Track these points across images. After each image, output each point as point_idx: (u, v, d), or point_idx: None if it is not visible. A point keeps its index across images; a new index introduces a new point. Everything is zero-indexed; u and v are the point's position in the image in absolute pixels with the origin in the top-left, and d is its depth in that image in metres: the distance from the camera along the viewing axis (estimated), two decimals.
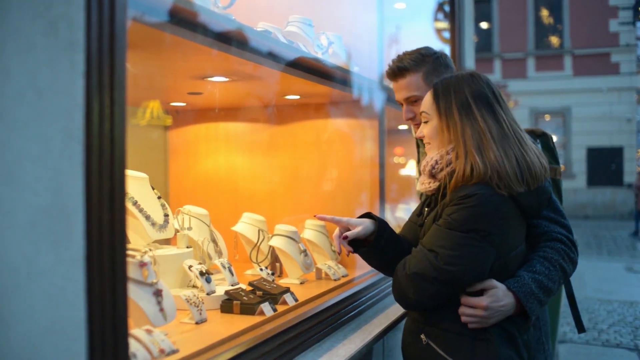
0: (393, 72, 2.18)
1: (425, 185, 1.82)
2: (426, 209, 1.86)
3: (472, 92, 1.74)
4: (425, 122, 1.83)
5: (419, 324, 1.79)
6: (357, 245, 1.87)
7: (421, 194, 2.40)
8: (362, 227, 1.82)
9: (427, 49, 2.19)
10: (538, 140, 2.28)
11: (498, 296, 1.67)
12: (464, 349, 1.69)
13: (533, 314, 1.71)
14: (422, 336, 1.77)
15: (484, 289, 1.68)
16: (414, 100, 2.15)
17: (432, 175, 1.79)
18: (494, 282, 1.69)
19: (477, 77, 1.79)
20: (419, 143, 2.34)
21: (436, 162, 1.77)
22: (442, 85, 1.79)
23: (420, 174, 2.35)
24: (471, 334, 1.69)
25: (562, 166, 2.36)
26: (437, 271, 1.63)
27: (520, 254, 1.76)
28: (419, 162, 2.41)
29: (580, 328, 2.13)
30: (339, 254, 1.86)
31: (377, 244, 1.81)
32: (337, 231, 1.87)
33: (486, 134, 1.68)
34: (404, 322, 2.57)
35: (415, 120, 2.18)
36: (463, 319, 1.68)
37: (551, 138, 2.27)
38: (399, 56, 2.19)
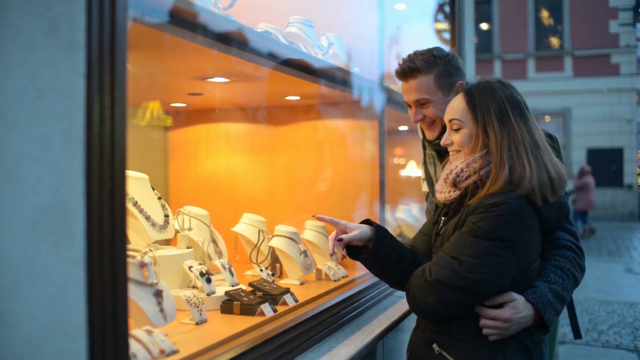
0: (404, 71, 2.09)
1: (444, 194, 1.78)
2: (443, 217, 1.83)
3: (507, 98, 1.70)
4: (457, 130, 1.76)
5: (431, 333, 1.75)
6: (356, 252, 1.85)
7: (427, 196, 2.38)
8: (358, 231, 1.80)
9: (439, 49, 2.12)
10: None
11: (519, 308, 1.66)
12: (479, 359, 1.68)
13: (551, 323, 1.70)
14: (435, 346, 1.73)
15: (504, 302, 1.66)
16: (423, 103, 2.08)
17: (454, 184, 1.75)
18: (514, 295, 1.67)
19: (507, 83, 1.76)
20: (426, 144, 2.30)
21: (462, 171, 1.72)
22: (477, 91, 1.73)
23: (426, 178, 2.35)
24: (487, 344, 1.67)
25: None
26: (461, 279, 1.60)
27: (537, 267, 1.75)
28: (425, 163, 2.36)
29: (577, 334, 2.12)
30: (331, 255, 1.84)
31: (375, 252, 1.78)
32: (333, 233, 1.84)
33: (523, 143, 1.65)
34: (403, 323, 2.58)
35: (425, 121, 2.12)
36: (484, 331, 1.66)
37: (556, 140, 2.26)
38: (409, 56, 2.12)
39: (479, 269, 1.59)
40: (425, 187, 2.37)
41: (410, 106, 2.15)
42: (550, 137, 2.27)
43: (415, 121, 2.14)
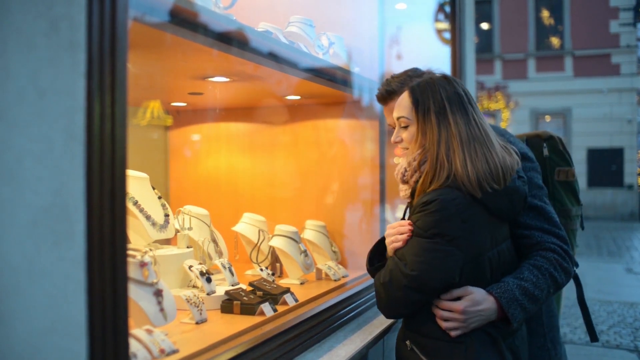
0: (382, 95, 2.17)
1: (402, 192, 1.85)
2: (408, 214, 1.88)
3: (447, 95, 1.74)
4: (405, 127, 1.81)
5: (405, 330, 1.83)
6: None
7: None
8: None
9: (414, 70, 2.17)
10: (545, 144, 2.25)
11: (475, 300, 1.66)
12: (443, 353, 1.71)
13: (515, 320, 1.70)
14: (407, 342, 1.80)
15: (460, 295, 1.68)
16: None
17: (405, 182, 1.81)
18: (470, 288, 1.69)
19: (450, 78, 1.80)
20: None
21: (405, 170, 1.78)
22: (419, 89, 1.78)
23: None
24: (449, 338, 1.69)
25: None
26: (406, 278, 1.65)
27: (494, 258, 1.73)
28: None
29: (593, 337, 2.11)
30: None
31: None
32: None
33: (456, 138, 1.68)
34: None
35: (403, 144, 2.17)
36: (443, 324, 1.69)
37: (560, 141, 2.25)
38: (386, 80, 2.18)
39: (421, 267, 1.64)
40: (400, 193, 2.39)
41: (394, 128, 2.18)
42: (551, 138, 2.27)
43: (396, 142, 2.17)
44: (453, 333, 1.68)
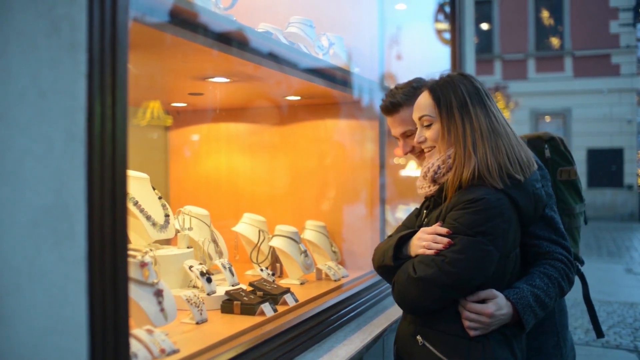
0: (387, 107, 2.17)
1: (425, 189, 1.84)
2: (424, 211, 1.88)
3: (467, 90, 1.76)
4: (428, 126, 1.82)
5: (416, 325, 1.80)
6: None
7: None
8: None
9: (418, 80, 2.16)
10: (547, 146, 2.26)
11: (500, 304, 1.69)
12: (460, 350, 1.70)
13: (528, 325, 1.73)
14: (418, 337, 1.77)
15: (487, 297, 1.69)
16: (409, 135, 2.13)
17: (434, 180, 1.80)
18: (495, 292, 1.71)
19: (467, 75, 1.83)
20: None
21: (438, 168, 1.78)
22: (439, 87, 1.80)
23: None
24: (468, 335, 1.70)
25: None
26: (445, 275, 1.64)
27: (515, 258, 1.77)
28: None
29: (599, 333, 2.11)
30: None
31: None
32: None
33: (477, 131, 1.71)
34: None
35: (414, 152, 2.16)
36: (466, 324, 1.69)
37: (561, 141, 2.25)
38: (391, 91, 2.18)
39: (462, 264, 1.63)
40: (418, 190, 2.38)
41: (398, 139, 2.21)
42: (553, 139, 2.26)
43: (405, 153, 2.19)
44: (473, 333, 1.68)
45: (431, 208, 1.84)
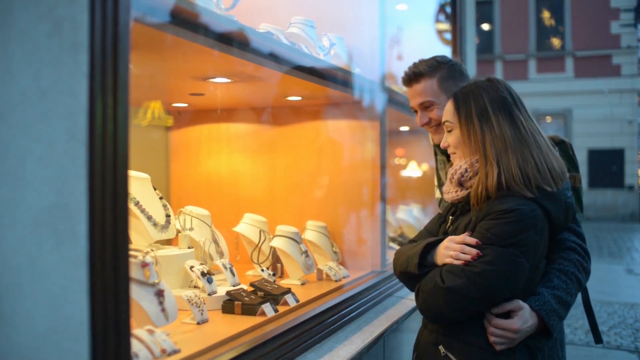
0: (409, 77, 2.17)
1: (452, 194, 1.80)
2: (451, 217, 1.84)
3: (490, 98, 1.74)
4: (450, 132, 1.82)
5: (438, 335, 1.75)
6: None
7: (440, 202, 2.38)
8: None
9: (442, 56, 2.19)
10: (556, 148, 2.26)
11: (526, 317, 1.66)
12: None
13: (554, 330, 1.71)
14: (440, 347, 1.73)
15: (512, 310, 1.67)
16: (428, 106, 2.14)
17: (460, 184, 1.77)
18: (520, 303, 1.68)
19: (496, 82, 1.79)
20: (437, 150, 2.32)
21: (465, 171, 1.75)
22: (461, 94, 1.79)
23: (439, 185, 2.36)
24: (493, 349, 1.67)
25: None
26: (475, 286, 1.61)
27: (542, 268, 1.76)
28: (437, 169, 2.39)
29: (597, 338, 2.10)
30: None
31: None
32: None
33: (499, 140, 1.68)
34: (404, 323, 2.59)
35: (430, 125, 2.17)
36: (492, 339, 1.66)
37: (570, 146, 2.25)
38: (414, 63, 2.19)
39: (492, 276, 1.60)
40: (438, 194, 2.38)
41: (416, 111, 2.20)
42: (563, 142, 2.25)
43: (422, 124, 2.19)
44: (499, 347, 1.66)
45: (458, 214, 1.80)
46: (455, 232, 1.76)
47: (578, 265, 1.80)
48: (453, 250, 1.66)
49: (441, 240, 1.75)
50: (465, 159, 1.76)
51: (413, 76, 2.15)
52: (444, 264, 1.68)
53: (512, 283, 1.64)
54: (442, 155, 2.28)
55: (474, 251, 1.63)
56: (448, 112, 1.82)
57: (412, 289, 1.82)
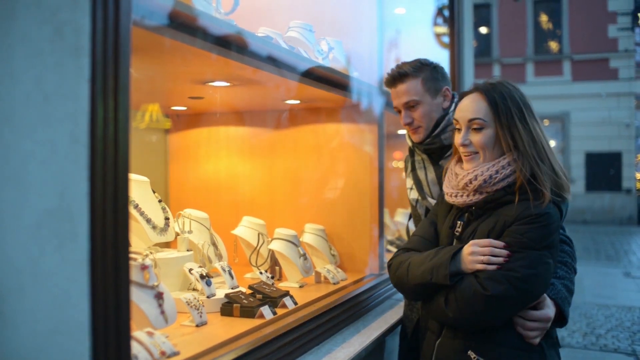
0: (393, 77, 2.23)
1: (462, 198, 1.76)
2: (459, 222, 1.79)
3: (523, 101, 1.72)
4: (477, 130, 1.73)
5: (465, 340, 1.71)
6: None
7: (416, 202, 2.38)
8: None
9: (424, 59, 2.26)
10: None
11: (550, 305, 1.72)
12: None
13: (568, 317, 1.77)
14: (471, 353, 1.69)
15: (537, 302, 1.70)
16: (412, 105, 2.20)
17: (476, 190, 1.72)
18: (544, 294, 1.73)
19: (513, 85, 1.78)
20: (416, 150, 2.33)
21: (490, 177, 1.70)
22: (496, 92, 1.73)
23: (416, 184, 2.35)
24: (526, 346, 1.68)
25: None
26: (518, 291, 1.61)
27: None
28: (412, 170, 2.36)
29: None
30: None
31: None
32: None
33: (538, 143, 1.69)
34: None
35: (412, 125, 2.22)
36: (529, 334, 1.67)
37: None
38: (397, 65, 2.25)
39: (534, 279, 1.63)
40: (413, 194, 2.37)
41: (399, 111, 2.26)
42: None
43: (405, 124, 2.24)
44: (536, 341, 1.68)
45: (472, 219, 1.77)
46: (473, 238, 1.72)
47: (572, 255, 1.90)
48: (482, 254, 1.65)
49: (461, 248, 1.71)
50: (492, 161, 1.72)
51: (398, 76, 2.21)
52: (476, 270, 1.65)
53: (547, 283, 1.69)
54: (422, 153, 2.29)
55: (504, 252, 1.63)
56: (479, 109, 1.73)
57: (424, 299, 1.78)
